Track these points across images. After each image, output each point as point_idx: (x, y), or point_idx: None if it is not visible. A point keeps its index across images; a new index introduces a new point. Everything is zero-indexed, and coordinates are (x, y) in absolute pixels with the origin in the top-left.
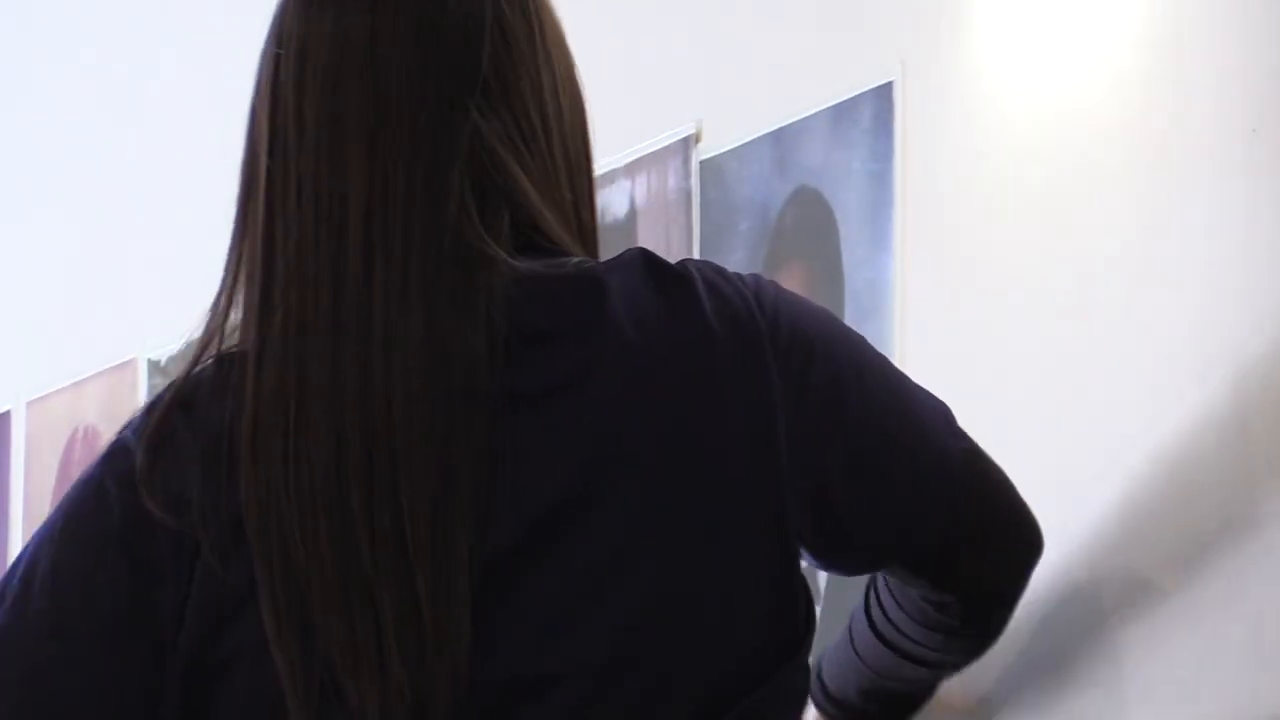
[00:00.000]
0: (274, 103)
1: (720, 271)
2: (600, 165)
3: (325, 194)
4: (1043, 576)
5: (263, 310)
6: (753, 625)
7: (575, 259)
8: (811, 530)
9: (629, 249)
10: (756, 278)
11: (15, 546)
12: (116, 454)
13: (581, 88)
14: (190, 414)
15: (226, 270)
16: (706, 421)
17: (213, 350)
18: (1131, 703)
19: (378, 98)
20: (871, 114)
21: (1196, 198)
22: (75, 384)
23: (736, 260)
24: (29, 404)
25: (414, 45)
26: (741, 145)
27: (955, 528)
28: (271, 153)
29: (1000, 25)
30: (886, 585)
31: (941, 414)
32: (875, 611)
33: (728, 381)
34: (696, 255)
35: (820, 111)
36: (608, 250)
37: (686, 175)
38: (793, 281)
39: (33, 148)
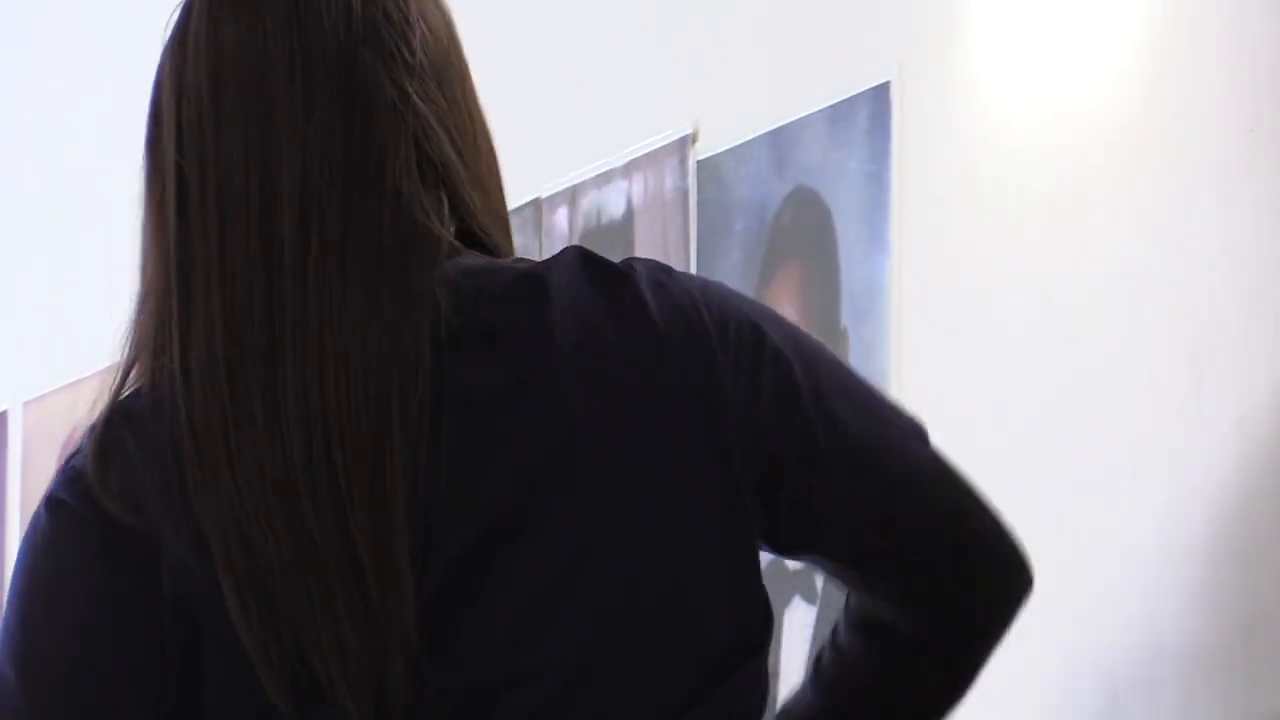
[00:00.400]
0: (179, 95)
1: (666, 270)
2: (597, 165)
3: (256, 179)
4: (1037, 575)
5: (184, 313)
6: (715, 622)
7: (512, 258)
8: (774, 523)
9: (566, 248)
10: (704, 278)
11: (12, 545)
12: (69, 477)
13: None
14: (132, 423)
15: (141, 281)
16: (659, 418)
17: (143, 363)
18: (1124, 695)
19: (308, 77)
20: (869, 114)
21: (1194, 198)
22: (72, 384)
23: (733, 260)
24: (26, 404)
25: (344, 23)
26: (738, 145)
27: (920, 523)
28: (183, 149)
29: (997, 25)
30: (846, 627)
31: (909, 422)
32: (828, 668)
33: (676, 380)
34: (694, 255)
35: (817, 111)
36: (609, 248)
37: (683, 175)
38: (789, 281)
39: (29, 150)
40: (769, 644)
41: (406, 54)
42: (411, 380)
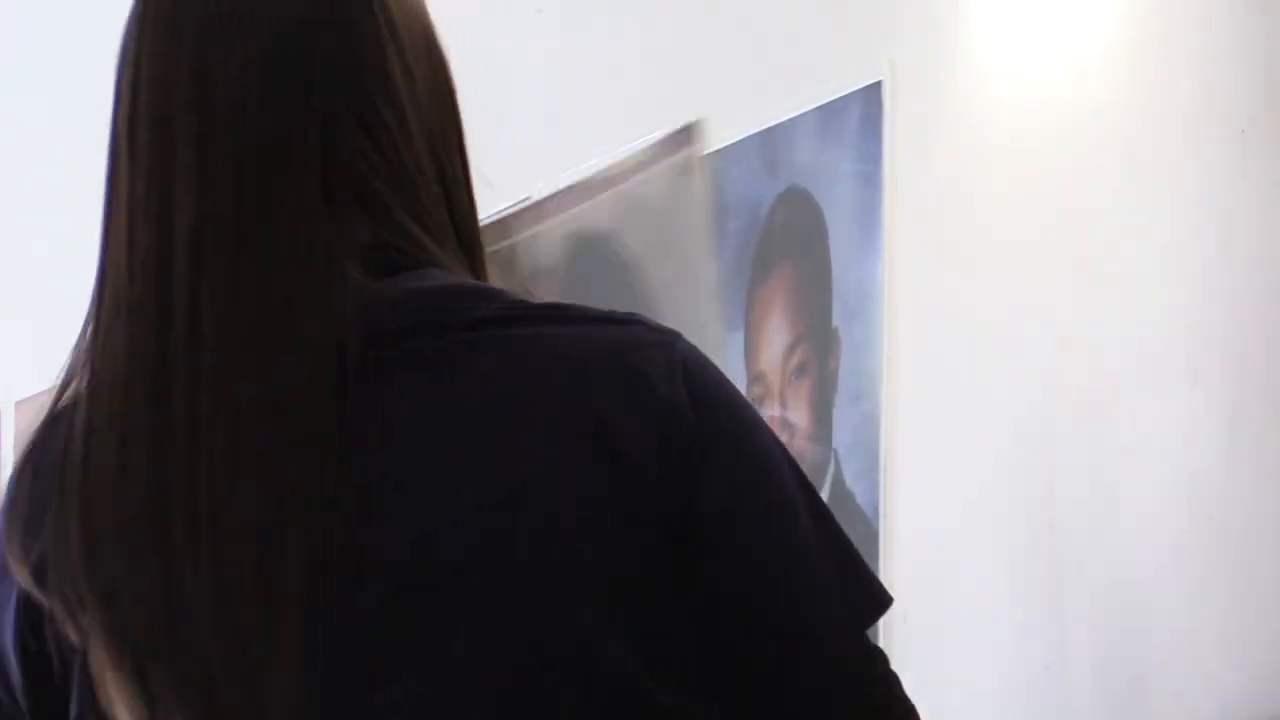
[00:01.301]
0: (112, 127)
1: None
2: (589, 166)
3: (154, 214)
4: (1029, 573)
5: (93, 345)
6: (612, 657)
7: (453, 277)
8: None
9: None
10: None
11: None
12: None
13: (452, 93)
14: (37, 466)
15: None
16: (555, 452)
17: (69, 394)
18: (1115, 694)
19: (204, 104)
20: (860, 114)
21: (1186, 198)
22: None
23: (725, 260)
24: (17, 404)
25: (244, 44)
26: (731, 145)
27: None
28: (112, 181)
29: (989, 26)
30: None
31: (852, 600)
32: None
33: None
34: None
35: (809, 111)
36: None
37: None
38: (782, 281)
39: (18, 151)
40: (712, 689)
41: (306, 66)
42: (308, 422)
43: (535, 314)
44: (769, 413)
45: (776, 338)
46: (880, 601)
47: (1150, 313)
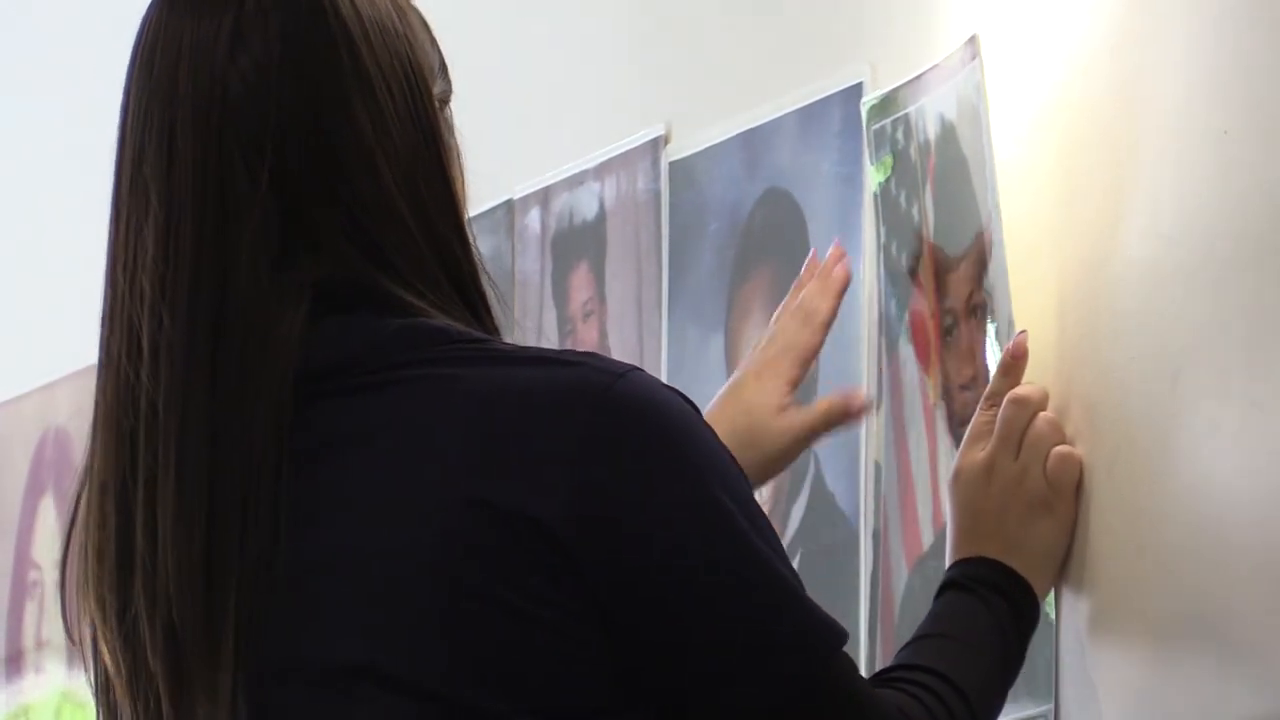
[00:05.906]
0: (115, 167)
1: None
2: (569, 167)
3: (129, 263)
4: None
5: (97, 382)
6: (452, 677)
7: (396, 319)
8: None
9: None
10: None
11: None
12: None
13: (435, 131)
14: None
15: None
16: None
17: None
18: (1094, 704)
19: (171, 161)
20: (841, 115)
21: (1168, 199)
22: (45, 386)
23: (705, 262)
24: None
25: (203, 104)
26: (711, 146)
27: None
28: (113, 216)
29: (968, 26)
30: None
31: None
32: None
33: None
34: (666, 257)
35: (790, 113)
36: (581, 249)
37: (656, 176)
38: (762, 282)
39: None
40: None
41: (261, 115)
42: (246, 472)
43: (468, 356)
44: None
45: (757, 339)
46: (813, 654)
47: (1132, 315)
